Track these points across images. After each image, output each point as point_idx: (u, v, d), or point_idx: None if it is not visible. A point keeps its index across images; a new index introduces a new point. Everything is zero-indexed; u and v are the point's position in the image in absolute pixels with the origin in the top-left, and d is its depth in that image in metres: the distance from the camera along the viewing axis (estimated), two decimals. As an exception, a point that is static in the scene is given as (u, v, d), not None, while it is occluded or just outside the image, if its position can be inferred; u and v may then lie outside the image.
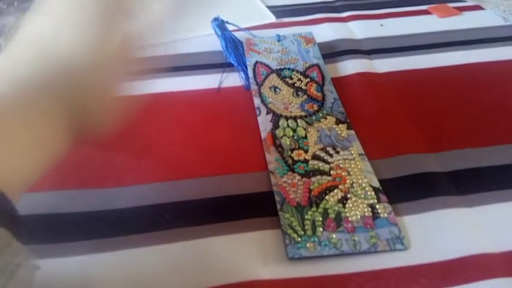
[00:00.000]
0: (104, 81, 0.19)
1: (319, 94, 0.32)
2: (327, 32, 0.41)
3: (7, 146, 0.15)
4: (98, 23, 0.19)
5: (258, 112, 0.31)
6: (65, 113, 0.18)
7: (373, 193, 0.25)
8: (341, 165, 0.26)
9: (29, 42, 0.19)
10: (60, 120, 0.18)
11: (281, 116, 0.30)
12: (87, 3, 0.20)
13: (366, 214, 0.24)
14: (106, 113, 0.20)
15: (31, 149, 0.16)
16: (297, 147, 0.28)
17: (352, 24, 0.43)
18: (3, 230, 0.13)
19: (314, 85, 0.33)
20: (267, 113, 0.31)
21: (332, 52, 0.38)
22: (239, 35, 0.39)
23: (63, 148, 0.18)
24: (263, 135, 0.29)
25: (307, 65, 0.35)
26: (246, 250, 0.23)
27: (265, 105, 0.31)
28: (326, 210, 0.24)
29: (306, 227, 0.23)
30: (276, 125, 0.29)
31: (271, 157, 0.27)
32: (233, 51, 0.37)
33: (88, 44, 0.19)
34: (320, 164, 0.27)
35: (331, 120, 0.30)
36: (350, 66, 0.36)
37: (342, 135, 0.29)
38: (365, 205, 0.24)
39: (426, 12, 0.45)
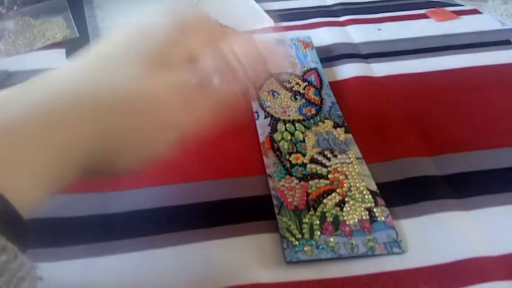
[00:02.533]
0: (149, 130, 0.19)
1: (317, 98, 0.32)
2: (325, 36, 0.41)
3: (24, 164, 0.15)
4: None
5: (256, 116, 0.31)
6: (91, 148, 0.17)
7: (370, 197, 0.25)
8: (338, 169, 0.27)
9: (84, 61, 0.19)
10: (86, 153, 0.17)
11: (279, 119, 0.30)
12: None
13: (364, 218, 0.24)
14: (136, 165, 0.19)
15: (46, 172, 0.16)
16: (295, 150, 0.28)
17: (350, 28, 0.43)
18: (10, 245, 0.13)
19: (312, 89, 0.33)
20: (265, 117, 0.31)
21: (330, 56, 0.38)
22: (237, 39, 0.39)
23: (75, 177, 0.18)
24: (261, 139, 0.29)
25: (305, 69, 0.35)
26: (244, 254, 0.23)
27: (264, 109, 0.31)
28: (323, 213, 0.24)
29: (303, 231, 0.23)
30: (274, 129, 0.30)
31: (269, 161, 0.27)
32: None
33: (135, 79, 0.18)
34: (318, 168, 0.27)
35: (329, 124, 0.30)
36: (348, 70, 0.36)
37: (340, 138, 0.29)
38: (362, 209, 0.24)
39: (423, 16, 0.45)
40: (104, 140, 0.17)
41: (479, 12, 0.45)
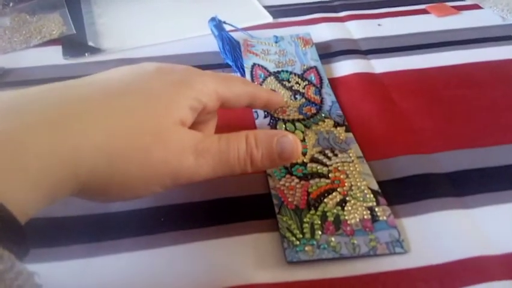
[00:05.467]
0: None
1: (317, 97, 0.32)
2: (324, 32, 0.41)
3: (27, 172, 0.15)
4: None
5: (255, 115, 0.31)
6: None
7: (372, 196, 0.25)
8: (339, 168, 0.26)
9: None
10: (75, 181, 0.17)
11: (279, 119, 0.30)
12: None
13: (365, 217, 0.23)
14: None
15: (47, 183, 0.16)
16: (295, 149, 0.28)
17: (349, 24, 0.43)
18: (6, 253, 0.13)
19: (312, 88, 0.33)
20: (265, 117, 0.30)
21: (329, 52, 0.38)
22: (236, 35, 0.39)
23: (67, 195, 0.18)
24: (261, 138, 0.29)
25: (305, 67, 0.35)
26: (243, 254, 0.22)
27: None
28: (324, 213, 0.24)
29: (304, 230, 0.23)
30: (273, 129, 0.29)
31: (269, 160, 0.27)
32: (230, 52, 0.37)
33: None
34: (318, 167, 0.26)
35: (329, 123, 0.30)
36: (347, 67, 0.36)
37: (341, 137, 0.28)
38: (364, 208, 0.24)
39: (424, 11, 0.45)
40: (108, 164, 0.17)
41: (480, 7, 0.45)
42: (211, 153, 0.20)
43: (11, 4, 0.46)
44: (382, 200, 0.24)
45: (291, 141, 0.21)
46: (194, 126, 0.22)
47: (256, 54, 0.36)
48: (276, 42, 0.38)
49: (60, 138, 0.16)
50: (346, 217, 0.23)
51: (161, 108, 0.19)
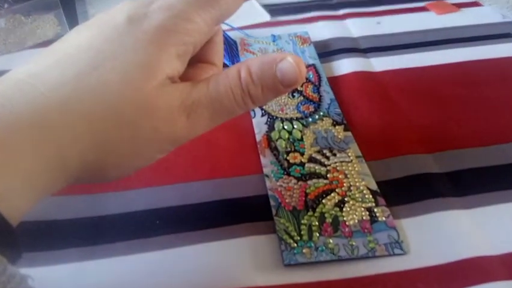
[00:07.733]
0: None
1: (315, 95, 0.31)
2: (323, 30, 0.41)
3: (15, 173, 0.14)
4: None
5: (252, 114, 0.30)
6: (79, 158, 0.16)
7: (371, 196, 0.24)
8: (337, 168, 0.26)
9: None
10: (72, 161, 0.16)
11: (276, 118, 0.30)
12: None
13: (364, 218, 0.23)
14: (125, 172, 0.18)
15: (37, 181, 0.15)
16: (292, 149, 0.27)
17: (348, 22, 0.42)
18: None
19: (310, 86, 0.32)
20: (262, 115, 0.30)
21: (328, 51, 0.38)
22: (233, 34, 0.39)
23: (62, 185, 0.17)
24: (258, 137, 0.28)
25: (302, 65, 0.34)
26: (240, 256, 0.22)
27: (260, 107, 0.31)
28: (322, 214, 0.23)
29: (302, 232, 0.22)
30: (271, 128, 0.29)
31: (266, 160, 0.27)
32: (227, 51, 0.36)
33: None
34: (317, 167, 0.26)
35: (327, 121, 0.29)
36: (347, 65, 0.35)
37: (339, 137, 0.28)
38: (362, 209, 0.24)
39: (424, 9, 0.44)
40: (96, 150, 0.16)
41: (480, 5, 0.45)
42: (203, 105, 0.18)
43: (5, 5, 0.46)
44: (381, 200, 0.24)
45: (292, 65, 0.18)
46: (199, 56, 0.20)
47: (254, 53, 0.36)
48: (273, 41, 0.37)
49: (42, 138, 0.15)
50: (344, 218, 0.23)
51: (139, 74, 0.17)
